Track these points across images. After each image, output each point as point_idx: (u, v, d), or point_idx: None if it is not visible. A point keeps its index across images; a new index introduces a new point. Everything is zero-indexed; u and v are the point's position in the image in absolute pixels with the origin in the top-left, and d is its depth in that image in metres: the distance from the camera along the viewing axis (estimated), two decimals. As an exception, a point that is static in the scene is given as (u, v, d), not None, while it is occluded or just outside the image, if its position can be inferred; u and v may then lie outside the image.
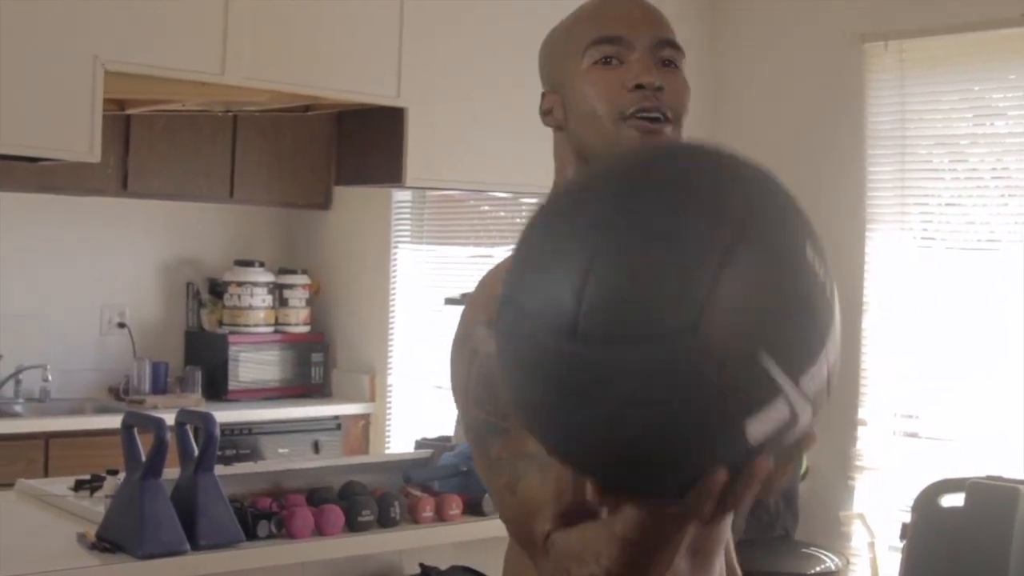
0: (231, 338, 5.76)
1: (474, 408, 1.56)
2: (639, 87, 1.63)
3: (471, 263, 5.67)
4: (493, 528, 2.44)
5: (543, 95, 1.75)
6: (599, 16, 1.69)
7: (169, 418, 3.01)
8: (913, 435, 4.49)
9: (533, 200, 1.43)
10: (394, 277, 5.93)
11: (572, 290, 1.13)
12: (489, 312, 1.42)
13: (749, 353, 1.13)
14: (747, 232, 1.15)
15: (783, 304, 1.15)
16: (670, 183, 1.19)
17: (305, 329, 6.01)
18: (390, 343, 5.92)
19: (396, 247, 5.94)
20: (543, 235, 1.21)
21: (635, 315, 1.12)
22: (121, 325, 5.76)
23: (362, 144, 4.98)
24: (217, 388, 5.71)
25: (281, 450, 5.52)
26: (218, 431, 2.99)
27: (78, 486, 3.48)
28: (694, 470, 1.17)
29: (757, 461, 1.17)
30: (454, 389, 1.60)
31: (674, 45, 1.69)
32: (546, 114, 1.74)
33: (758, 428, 1.15)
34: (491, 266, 1.70)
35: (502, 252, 5.07)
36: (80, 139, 3.51)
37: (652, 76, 1.64)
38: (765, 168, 1.26)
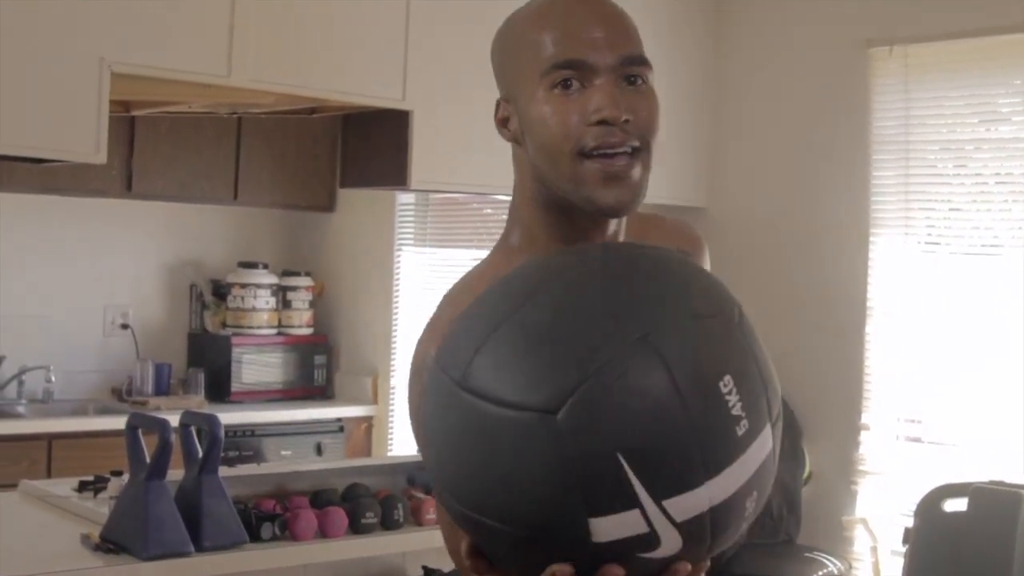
0: (234, 340, 5.76)
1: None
2: (602, 122, 1.48)
3: (474, 266, 5.67)
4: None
5: (498, 102, 1.63)
6: (558, 31, 1.52)
7: (173, 419, 3.01)
8: (916, 440, 4.49)
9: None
10: (397, 279, 5.93)
11: (473, 347, 1.21)
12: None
13: (606, 454, 1.14)
14: (646, 343, 1.17)
15: (661, 422, 1.15)
16: (593, 281, 1.23)
17: (308, 331, 6.01)
18: (393, 345, 5.93)
19: (400, 250, 5.94)
20: (475, 303, 1.29)
21: (511, 383, 1.18)
22: (124, 326, 5.76)
23: (366, 147, 4.97)
24: (220, 390, 5.71)
25: (284, 452, 5.52)
26: (222, 433, 2.99)
27: (81, 487, 3.48)
28: (543, 552, 1.19)
29: (606, 566, 1.17)
30: (409, 412, 1.58)
31: (640, 60, 1.54)
32: (502, 124, 1.63)
33: (604, 530, 1.16)
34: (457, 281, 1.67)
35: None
36: (86, 140, 3.51)
37: (617, 109, 1.48)
38: (716, 290, 1.27)
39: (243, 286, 5.85)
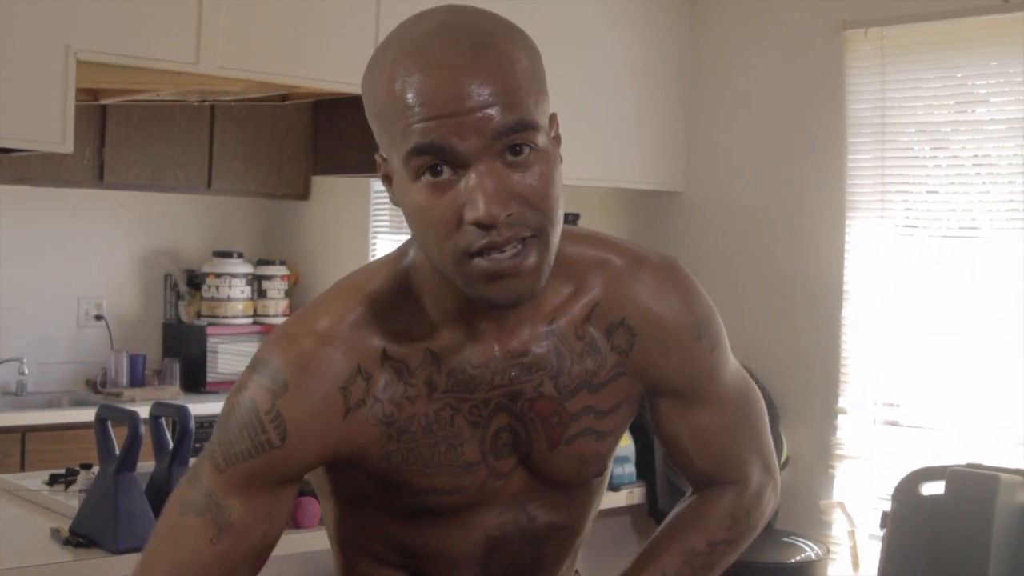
0: (209, 330, 5.73)
1: (216, 429, 1.53)
2: (480, 224, 1.30)
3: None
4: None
5: (378, 158, 1.44)
6: (417, 98, 1.30)
7: (145, 411, 2.98)
8: (894, 423, 4.48)
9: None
10: (373, 267, 5.90)
11: None
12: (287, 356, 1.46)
13: None
14: None
15: None
16: None
17: (284, 320, 5.97)
18: (369, 334, 5.89)
19: (375, 237, 5.91)
20: None
21: None
22: (98, 317, 5.72)
23: (339, 133, 4.94)
24: (195, 380, 5.68)
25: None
26: (193, 424, 2.97)
27: (53, 480, 3.45)
28: None
29: None
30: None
31: (521, 127, 1.31)
32: (386, 181, 1.44)
33: None
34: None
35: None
36: (52, 129, 3.47)
37: (496, 206, 1.29)
38: None
39: (218, 275, 5.82)
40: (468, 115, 1.29)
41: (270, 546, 1.50)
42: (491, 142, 1.30)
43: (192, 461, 2.97)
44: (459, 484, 1.52)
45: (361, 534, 1.63)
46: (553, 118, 1.42)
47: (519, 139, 1.31)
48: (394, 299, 1.49)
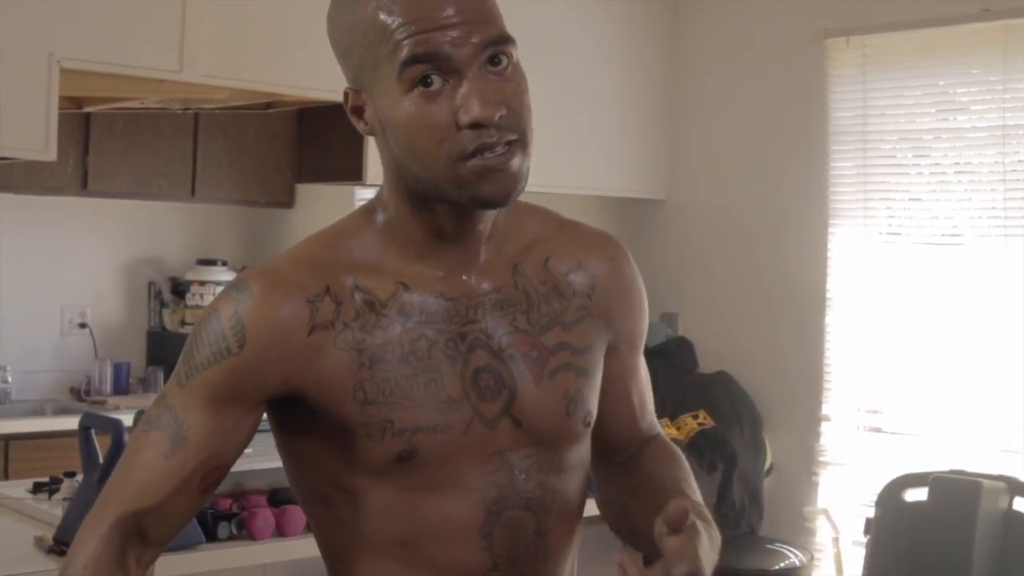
0: (194, 338, 5.71)
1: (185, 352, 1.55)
2: (475, 125, 1.42)
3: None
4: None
5: (347, 92, 1.54)
6: (407, 15, 1.42)
7: (130, 419, 2.97)
8: (877, 430, 4.50)
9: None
10: (358, 275, 5.89)
11: None
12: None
13: None
14: None
15: None
16: None
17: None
18: (354, 341, 5.88)
19: (360, 245, 5.89)
20: None
21: None
22: (82, 325, 5.70)
23: (323, 141, 4.93)
24: (180, 388, 5.65)
25: (246, 450, 5.48)
26: (177, 432, 2.96)
27: (36, 489, 3.44)
28: None
29: None
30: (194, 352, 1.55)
31: (502, 39, 1.46)
32: (355, 115, 1.54)
33: None
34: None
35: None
36: (36, 137, 3.46)
37: (489, 108, 1.41)
38: None
39: (202, 283, 5.81)
40: (457, 28, 1.42)
41: (221, 468, 1.55)
42: (479, 52, 1.43)
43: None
44: (443, 421, 1.52)
45: (358, 528, 1.58)
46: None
47: (501, 50, 1.45)
48: (363, 240, 1.58)
